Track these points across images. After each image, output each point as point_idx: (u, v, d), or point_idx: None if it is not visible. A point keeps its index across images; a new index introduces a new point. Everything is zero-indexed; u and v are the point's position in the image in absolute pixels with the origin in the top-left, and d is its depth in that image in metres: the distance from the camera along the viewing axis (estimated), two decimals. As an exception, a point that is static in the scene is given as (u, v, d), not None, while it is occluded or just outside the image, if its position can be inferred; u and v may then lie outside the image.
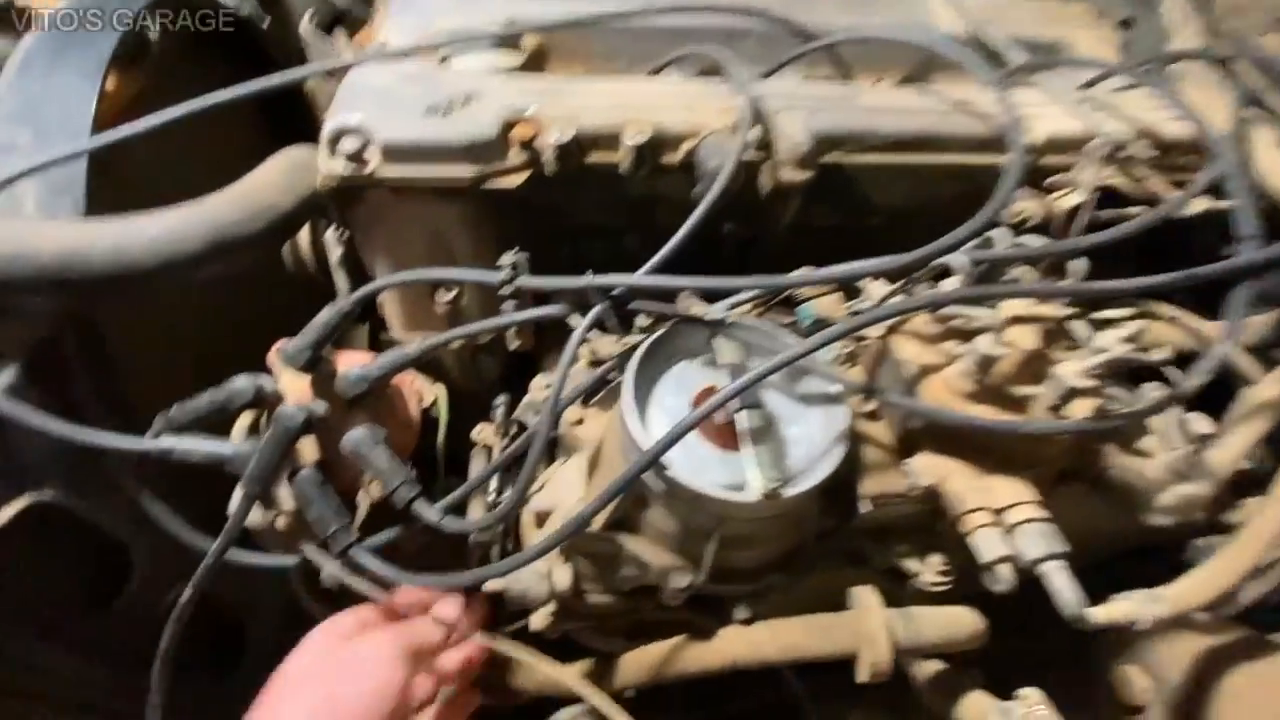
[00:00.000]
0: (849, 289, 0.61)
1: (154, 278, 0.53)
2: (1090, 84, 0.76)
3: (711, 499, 0.44)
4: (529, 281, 0.54)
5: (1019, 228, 0.71)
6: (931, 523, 0.52)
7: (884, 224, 0.76)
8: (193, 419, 0.52)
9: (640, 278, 0.52)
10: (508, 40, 0.71)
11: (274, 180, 0.61)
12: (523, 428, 0.72)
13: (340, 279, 0.84)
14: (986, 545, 0.44)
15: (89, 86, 0.58)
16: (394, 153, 0.56)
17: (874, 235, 0.78)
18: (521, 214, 0.64)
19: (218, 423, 0.54)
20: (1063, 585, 0.42)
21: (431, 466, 0.76)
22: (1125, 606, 0.44)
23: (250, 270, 0.61)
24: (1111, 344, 0.43)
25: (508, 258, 0.55)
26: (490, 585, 0.53)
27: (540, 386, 0.71)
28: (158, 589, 0.74)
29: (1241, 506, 0.59)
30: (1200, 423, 0.60)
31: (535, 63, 0.76)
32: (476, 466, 0.74)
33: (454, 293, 0.66)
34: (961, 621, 0.51)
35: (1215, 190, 0.60)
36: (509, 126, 0.59)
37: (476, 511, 0.66)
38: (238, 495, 0.55)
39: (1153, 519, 0.50)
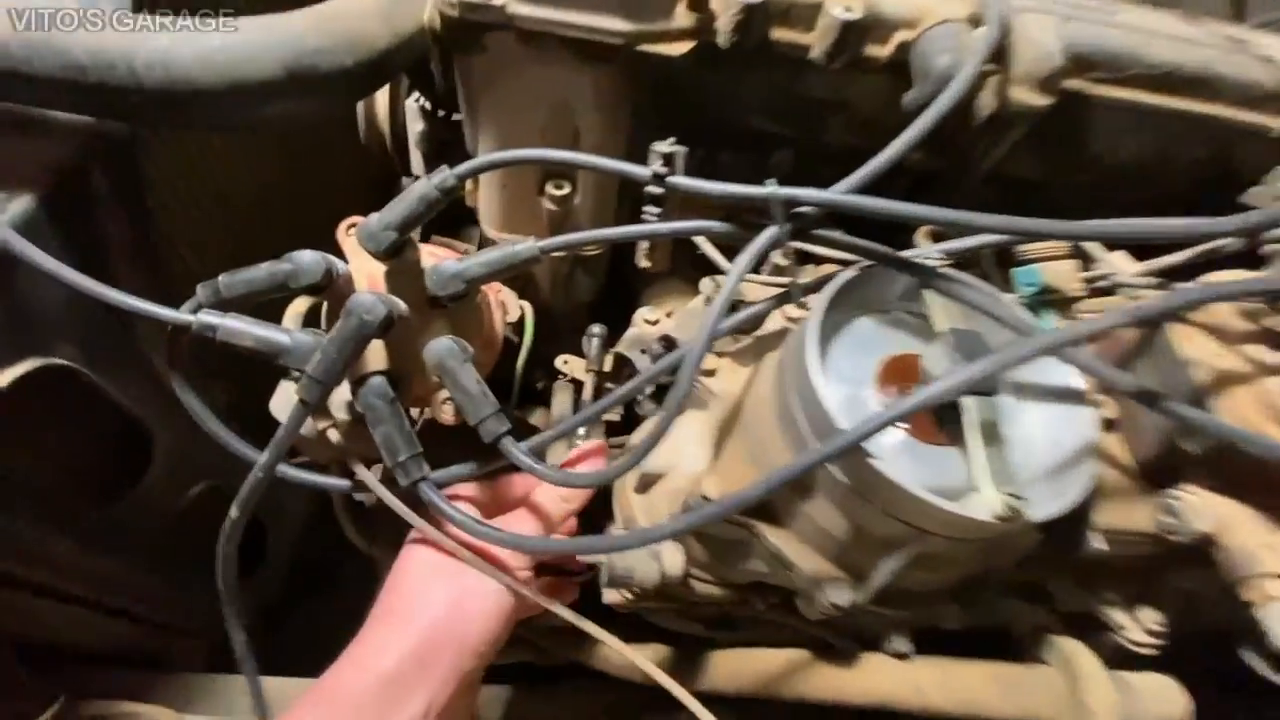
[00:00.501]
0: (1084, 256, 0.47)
1: (210, 101, 0.41)
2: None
3: (928, 508, 0.32)
4: (687, 182, 0.41)
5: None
6: (1159, 571, 0.40)
7: (1091, 185, 0.61)
8: (245, 293, 0.41)
9: (842, 195, 0.39)
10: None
11: (370, 7, 0.47)
12: (620, 366, 0.61)
13: (417, 159, 0.71)
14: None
15: None
16: (564, -13, 0.42)
17: (1074, 197, 0.63)
18: (667, 98, 0.51)
19: (260, 307, 0.43)
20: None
21: (500, 395, 0.66)
22: None
23: (320, 127, 0.49)
24: None
25: (662, 146, 0.42)
26: (585, 556, 0.43)
27: (646, 320, 0.59)
28: (179, 483, 0.65)
29: None
30: None
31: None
32: (560, 403, 0.63)
33: (568, 188, 0.53)
34: (1175, 698, 0.40)
35: None
36: (684, -26, 0.44)
37: (557, 455, 0.55)
38: (290, 396, 0.45)
39: None
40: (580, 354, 0.63)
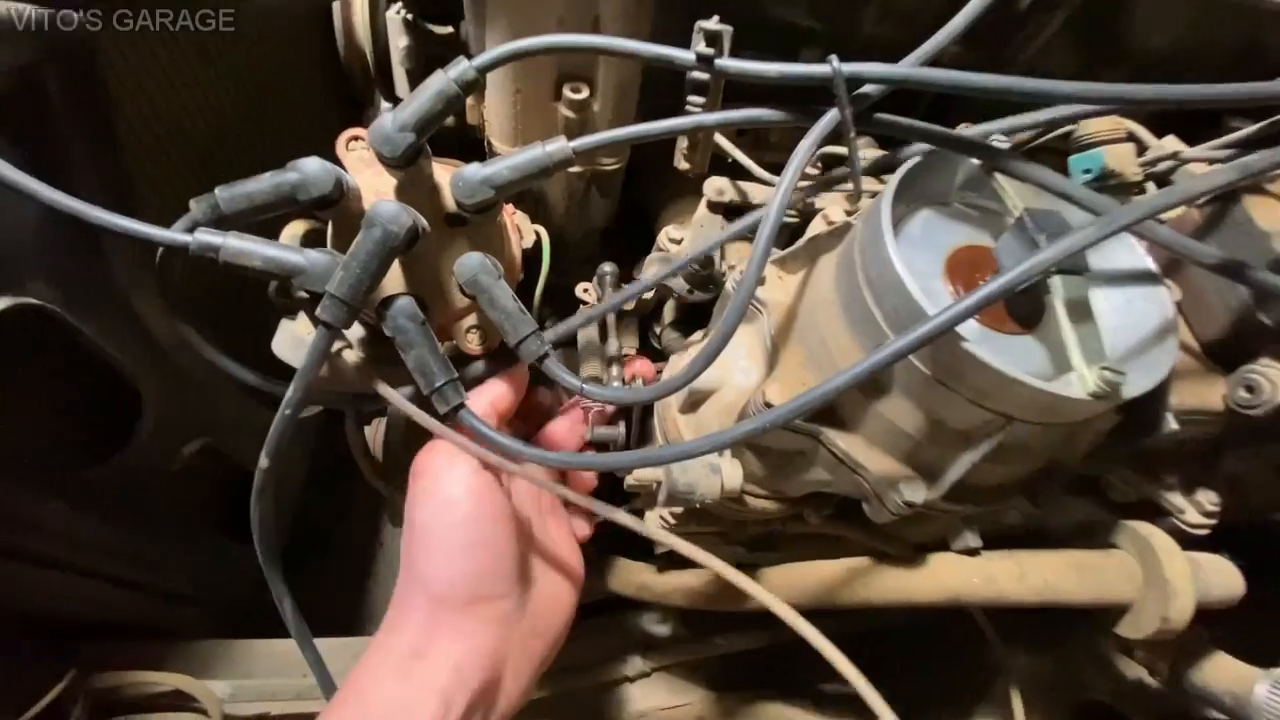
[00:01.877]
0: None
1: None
2: None
3: (1028, 389, 0.30)
4: (737, 65, 0.37)
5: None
6: (1215, 453, 0.40)
7: (1126, 77, 0.59)
8: (245, 209, 0.36)
9: (910, 70, 0.36)
10: None
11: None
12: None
13: (401, 78, 0.65)
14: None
15: None
16: None
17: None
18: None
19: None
20: None
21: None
22: None
23: (285, 55, 0.42)
24: None
25: (709, 24, 0.38)
26: (649, 474, 0.41)
27: (671, 239, 0.56)
28: (172, 440, 0.61)
29: None
30: None
31: None
32: (584, 333, 0.60)
33: (585, 93, 0.48)
34: (1233, 575, 0.41)
35: None
36: None
37: (589, 369, 0.52)
38: (295, 334, 0.41)
39: None
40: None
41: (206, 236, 0.35)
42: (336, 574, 1.04)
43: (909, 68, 0.36)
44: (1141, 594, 0.38)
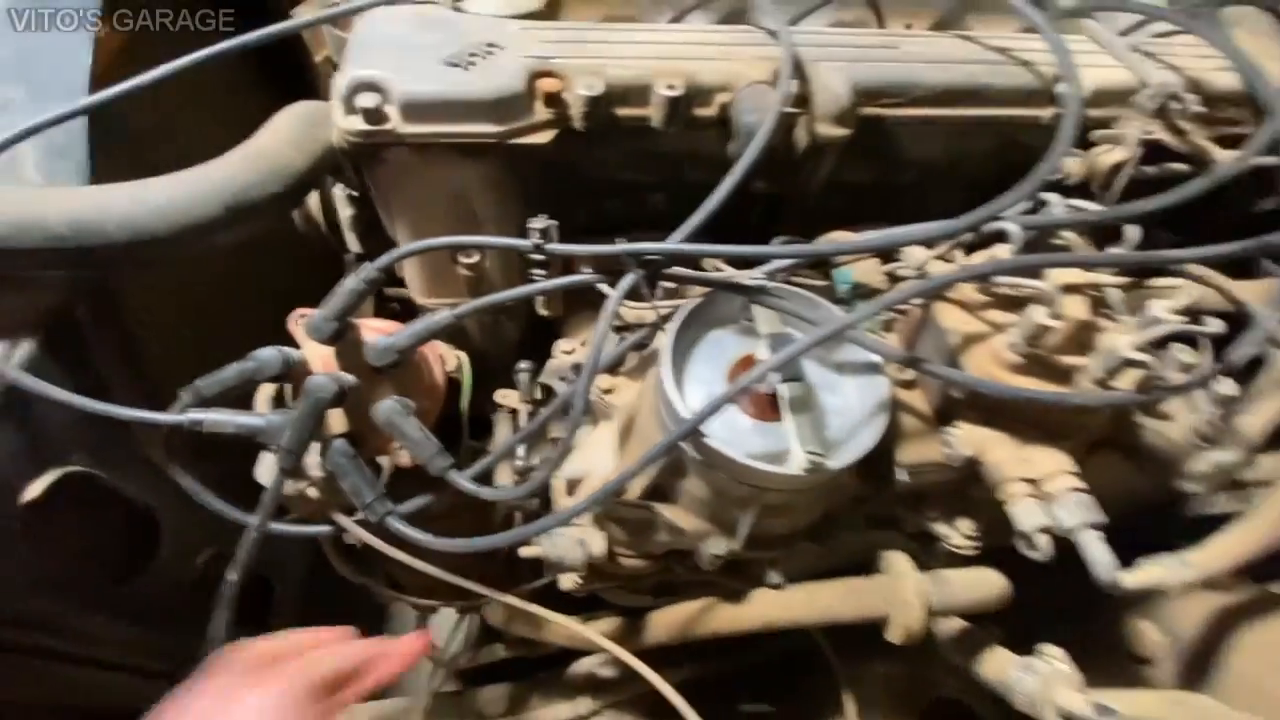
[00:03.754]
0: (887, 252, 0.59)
1: (170, 245, 0.51)
2: (1136, 28, 0.73)
3: (752, 470, 0.44)
4: (559, 248, 0.52)
5: (1058, 186, 0.69)
6: (963, 488, 0.52)
7: (917, 180, 0.73)
8: (220, 390, 0.52)
9: (675, 245, 0.50)
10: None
11: (287, 138, 0.57)
12: (548, 392, 0.72)
13: (352, 239, 0.81)
14: (1026, 515, 0.44)
15: (83, 38, 0.54)
16: (414, 109, 0.53)
17: (906, 192, 0.75)
18: (546, 171, 0.61)
19: (236, 395, 0.53)
20: (1099, 553, 0.42)
21: (454, 430, 0.76)
22: (1156, 572, 0.45)
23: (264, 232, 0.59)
24: (1165, 315, 0.42)
25: (537, 223, 0.53)
26: (526, 550, 0.54)
27: (563, 351, 0.70)
28: (187, 554, 0.75)
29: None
30: (1226, 386, 0.61)
31: (552, 7, 0.71)
32: (501, 432, 0.74)
33: (477, 257, 0.64)
34: (989, 583, 0.52)
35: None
36: (534, 79, 0.55)
37: (503, 477, 0.66)
38: (271, 468, 0.55)
39: (1185, 485, 0.51)
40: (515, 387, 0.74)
41: (193, 415, 0.50)
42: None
43: (673, 244, 0.50)
44: (892, 609, 0.50)
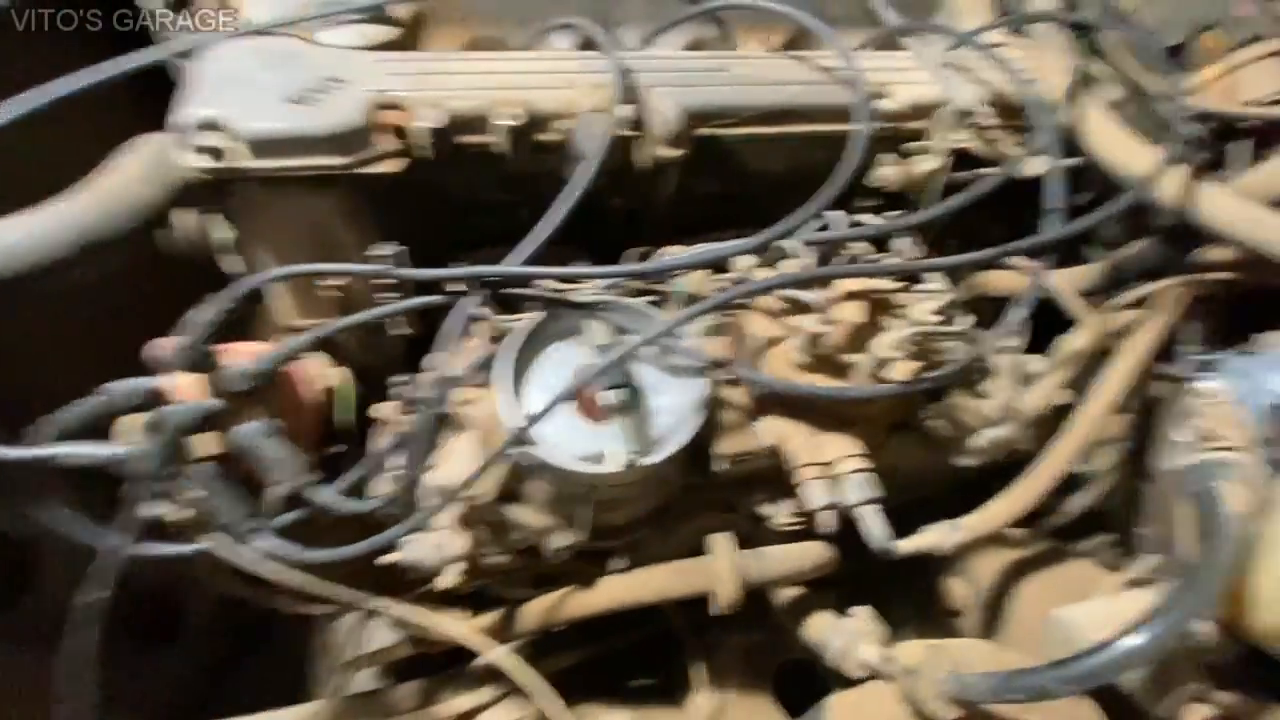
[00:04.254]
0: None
1: (18, 286, 0.52)
2: (955, 46, 0.80)
3: (573, 472, 0.49)
4: (404, 273, 0.56)
5: (879, 193, 0.77)
6: (783, 474, 0.59)
7: (766, 190, 0.80)
8: (77, 426, 0.54)
9: (510, 269, 0.55)
10: (379, 12, 0.70)
11: (136, 172, 0.59)
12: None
13: (229, 259, 0.83)
14: (813, 495, 0.51)
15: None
16: (257, 145, 0.56)
17: (758, 201, 0.81)
18: (404, 197, 0.65)
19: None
20: (873, 525, 0.49)
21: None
22: (928, 537, 0.53)
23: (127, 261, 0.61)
24: (923, 317, 0.49)
25: (386, 249, 0.56)
26: (385, 558, 0.58)
27: (432, 365, 0.74)
28: (71, 581, 0.76)
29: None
30: (1035, 363, 0.69)
31: (413, 32, 0.74)
32: (376, 444, 0.77)
33: (339, 280, 0.67)
34: (809, 554, 0.59)
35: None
36: (376, 112, 0.59)
37: (385, 486, 0.69)
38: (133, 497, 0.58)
39: (963, 461, 0.59)
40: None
41: (49, 450, 0.52)
42: (277, 670, 1.17)
43: (509, 267, 0.55)
44: (714, 585, 0.57)
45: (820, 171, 0.78)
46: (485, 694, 0.85)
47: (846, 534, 0.55)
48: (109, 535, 0.57)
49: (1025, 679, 0.41)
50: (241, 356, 0.60)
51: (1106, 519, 0.77)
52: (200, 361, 0.56)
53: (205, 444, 0.59)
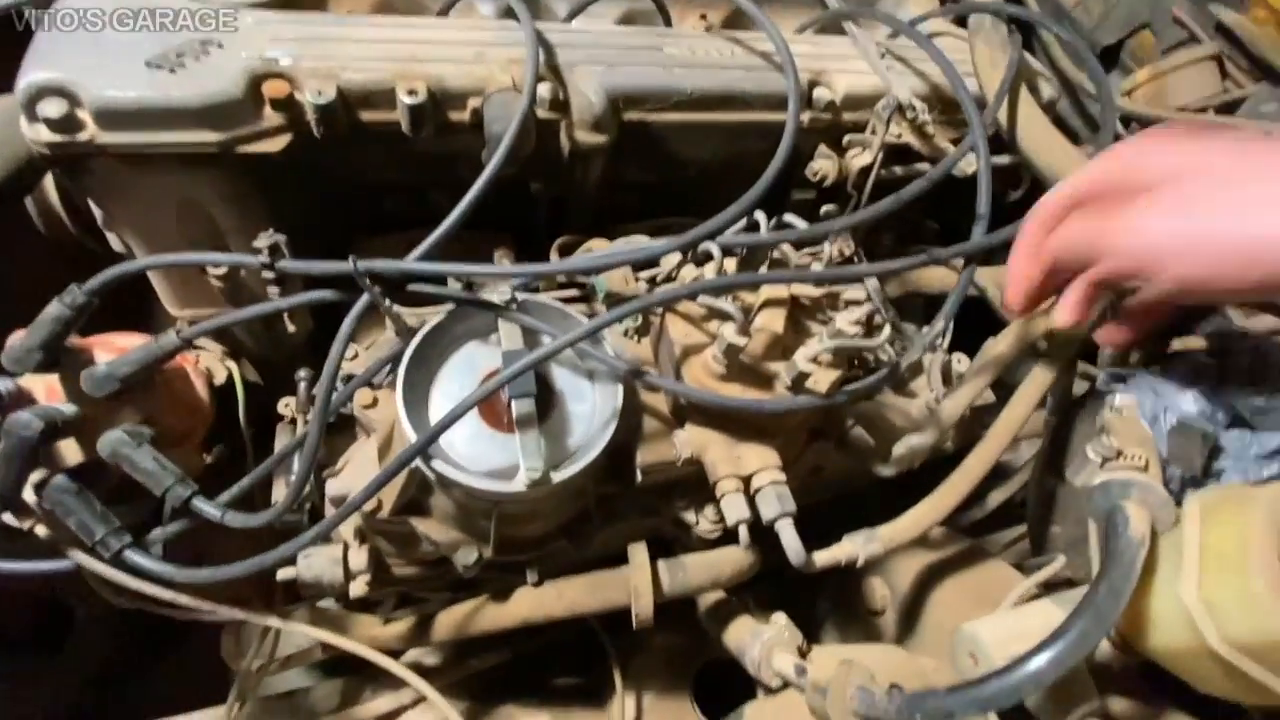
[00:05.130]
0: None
1: None
2: (894, 35, 0.78)
3: (477, 489, 0.46)
4: (289, 266, 0.50)
5: (818, 186, 0.74)
6: (705, 480, 0.57)
7: (698, 178, 0.76)
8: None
9: (411, 264, 0.50)
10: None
11: (-29, 142, 0.51)
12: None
13: (113, 237, 0.74)
14: (732, 509, 0.49)
15: None
16: (111, 116, 0.48)
17: (688, 189, 0.78)
18: (295, 176, 0.58)
19: None
20: (790, 540, 0.48)
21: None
22: (845, 548, 0.52)
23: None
24: (846, 327, 0.47)
25: (263, 239, 0.50)
26: (283, 573, 0.54)
27: (347, 359, 0.68)
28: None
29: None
30: (962, 365, 0.69)
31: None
32: (282, 441, 0.71)
33: (225, 269, 0.60)
34: (727, 561, 0.58)
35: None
36: (257, 83, 0.52)
37: (283, 491, 0.64)
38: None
39: (882, 470, 0.58)
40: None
41: None
42: (189, 671, 1.11)
43: (408, 263, 0.50)
44: (630, 599, 0.55)
45: (756, 160, 0.75)
46: (405, 695, 0.82)
47: (768, 532, 0.54)
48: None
49: (930, 701, 0.40)
50: (113, 351, 0.53)
51: (1020, 510, 0.80)
52: (53, 363, 0.49)
53: (66, 452, 0.53)
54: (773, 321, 0.49)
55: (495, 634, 0.58)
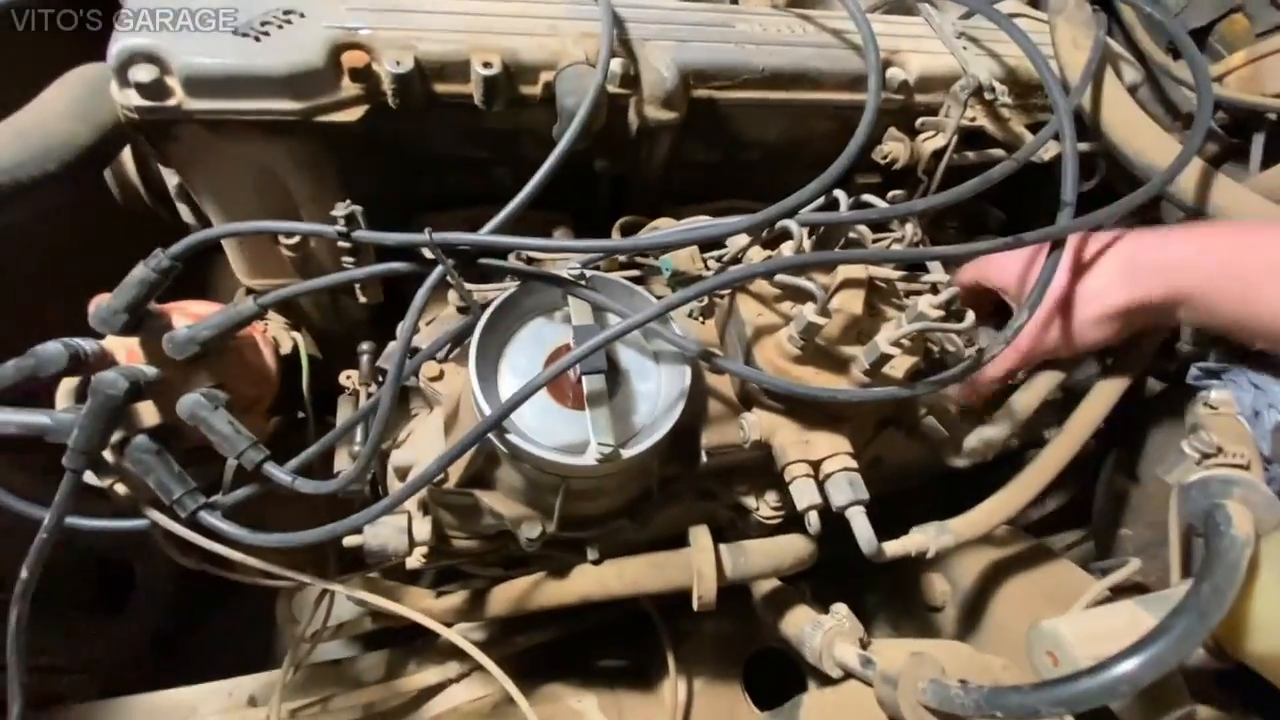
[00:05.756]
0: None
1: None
2: (969, 14, 0.75)
3: (550, 462, 0.45)
4: (365, 236, 0.50)
5: (885, 170, 0.72)
6: (768, 465, 0.56)
7: (762, 159, 0.75)
8: (4, 387, 0.48)
9: (484, 237, 0.50)
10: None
11: (65, 108, 0.52)
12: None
13: (184, 210, 0.76)
14: (802, 494, 0.48)
15: None
16: (199, 84, 0.49)
17: (753, 170, 0.77)
18: (369, 148, 0.59)
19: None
20: (861, 527, 0.47)
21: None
22: (917, 539, 0.51)
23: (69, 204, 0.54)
24: (928, 310, 0.46)
25: (340, 209, 0.51)
26: (347, 541, 0.55)
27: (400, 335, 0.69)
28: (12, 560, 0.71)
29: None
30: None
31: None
32: (344, 413, 0.72)
33: (296, 239, 0.61)
34: (789, 549, 0.57)
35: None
36: (337, 53, 0.52)
37: (344, 460, 0.65)
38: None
39: (955, 461, 0.56)
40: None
41: (-34, 416, 0.47)
42: (240, 636, 1.14)
43: (483, 235, 0.49)
44: (692, 581, 0.54)
45: (822, 142, 0.74)
46: (451, 669, 0.83)
47: (823, 521, 0.53)
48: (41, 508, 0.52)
49: (1012, 697, 0.39)
50: (190, 318, 0.55)
51: (1077, 513, 0.77)
52: (137, 325, 0.51)
53: (144, 414, 0.54)
54: (851, 303, 0.48)
55: (549, 611, 0.58)
